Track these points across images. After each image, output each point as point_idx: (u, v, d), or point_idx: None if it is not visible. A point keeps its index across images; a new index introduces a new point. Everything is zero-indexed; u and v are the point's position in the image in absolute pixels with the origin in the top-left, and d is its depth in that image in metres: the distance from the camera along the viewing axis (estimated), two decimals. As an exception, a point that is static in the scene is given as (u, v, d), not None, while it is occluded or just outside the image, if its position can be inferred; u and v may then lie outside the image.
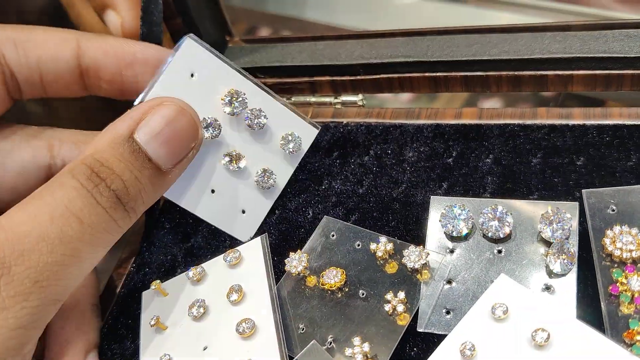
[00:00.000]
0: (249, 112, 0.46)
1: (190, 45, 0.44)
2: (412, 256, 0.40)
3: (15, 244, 0.33)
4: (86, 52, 0.42)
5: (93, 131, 0.44)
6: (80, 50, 0.42)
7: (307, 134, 0.48)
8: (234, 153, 0.46)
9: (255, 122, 0.46)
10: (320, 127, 0.49)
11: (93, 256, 0.36)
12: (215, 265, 0.44)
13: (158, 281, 0.44)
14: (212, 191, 0.46)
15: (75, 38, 0.43)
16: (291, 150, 0.47)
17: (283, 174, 0.48)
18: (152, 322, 0.42)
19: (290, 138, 0.47)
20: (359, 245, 0.43)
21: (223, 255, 0.44)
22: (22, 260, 0.33)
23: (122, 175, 0.37)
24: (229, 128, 0.46)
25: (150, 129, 0.38)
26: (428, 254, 0.40)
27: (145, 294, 0.45)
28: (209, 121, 0.45)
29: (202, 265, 0.44)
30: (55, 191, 0.35)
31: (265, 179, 0.47)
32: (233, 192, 0.47)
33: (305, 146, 0.48)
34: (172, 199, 0.45)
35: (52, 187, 0.36)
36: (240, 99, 0.46)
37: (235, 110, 0.45)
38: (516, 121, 0.47)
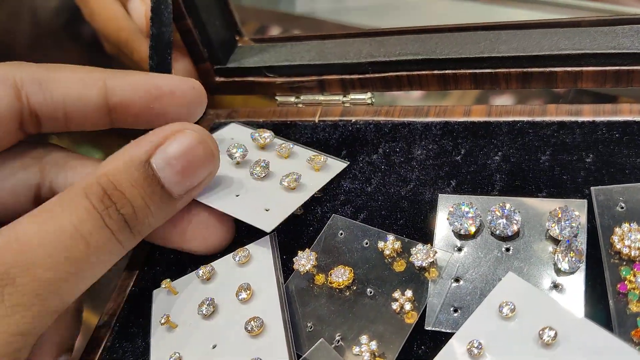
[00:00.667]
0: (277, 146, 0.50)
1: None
2: (419, 254, 0.40)
3: (23, 256, 0.34)
4: (113, 90, 0.42)
5: (86, 157, 0.45)
6: (107, 88, 0.42)
7: (335, 166, 0.49)
8: (262, 163, 0.47)
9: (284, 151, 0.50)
10: (349, 162, 0.49)
11: (94, 274, 0.38)
12: (224, 264, 0.44)
13: (168, 280, 0.45)
14: (237, 195, 0.46)
15: (102, 77, 0.42)
16: (317, 166, 0.48)
17: (310, 183, 0.47)
18: (162, 321, 0.43)
19: (316, 159, 0.48)
20: (366, 243, 0.43)
21: (232, 254, 0.44)
22: (27, 273, 0.34)
23: (133, 201, 0.38)
24: (257, 151, 0.50)
25: (168, 155, 0.39)
26: (436, 252, 0.40)
27: (155, 293, 0.46)
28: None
29: (212, 264, 0.45)
30: (67, 209, 0.36)
31: (291, 180, 0.46)
32: (257, 195, 0.46)
33: (333, 172, 0.48)
34: (196, 198, 0.46)
35: (65, 204, 0.37)
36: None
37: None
38: (525, 118, 0.47)
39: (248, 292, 0.41)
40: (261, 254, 0.44)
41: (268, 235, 0.44)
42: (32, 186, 0.44)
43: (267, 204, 0.46)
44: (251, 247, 0.44)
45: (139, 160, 0.38)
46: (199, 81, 0.46)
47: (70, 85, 0.42)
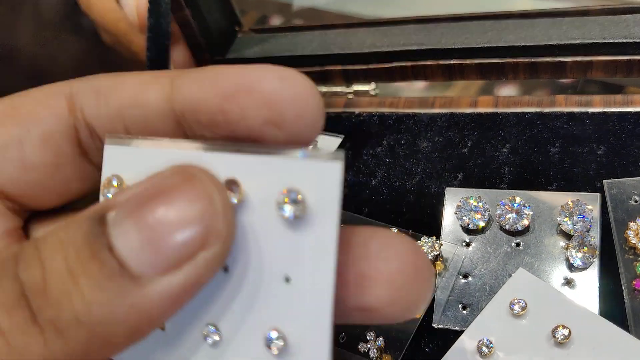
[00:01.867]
0: None
1: None
2: (424, 247, 0.39)
3: None
4: (178, 91, 0.30)
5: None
6: (173, 89, 0.30)
7: (331, 145, 0.46)
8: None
9: None
10: (343, 137, 0.45)
11: None
12: None
13: None
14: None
15: (169, 79, 0.31)
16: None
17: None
18: None
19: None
20: (372, 238, 0.42)
21: None
22: None
23: (46, 262, 0.24)
24: None
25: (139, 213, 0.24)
26: (441, 244, 0.39)
27: None
28: None
29: None
30: None
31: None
32: None
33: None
34: None
35: None
36: None
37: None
38: (533, 109, 0.46)
39: None
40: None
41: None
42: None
43: None
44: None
45: (87, 215, 0.24)
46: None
47: (127, 89, 0.31)
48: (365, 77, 0.52)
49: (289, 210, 0.24)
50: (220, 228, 0.24)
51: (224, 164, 0.25)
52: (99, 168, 0.31)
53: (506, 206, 0.39)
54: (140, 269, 0.23)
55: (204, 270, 0.23)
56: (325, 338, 0.24)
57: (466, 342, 0.35)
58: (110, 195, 0.27)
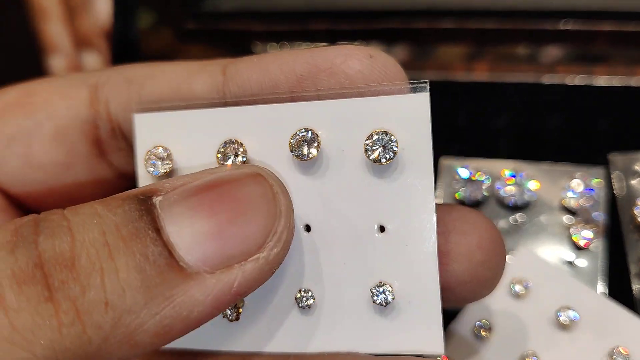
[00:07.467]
0: None
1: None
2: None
3: None
4: (233, 79, 0.25)
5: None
6: (226, 78, 0.25)
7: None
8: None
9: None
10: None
11: None
12: None
13: None
14: None
15: (220, 68, 0.26)
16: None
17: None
18: None
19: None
20: (359, 210, 0.39)
21: None
22: None
23: (81, 250, 0.19)
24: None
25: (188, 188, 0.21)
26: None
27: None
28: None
29: None
30: None
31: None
32: None
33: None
34: None
35: None
36: None
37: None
38: (532, 79, 0.43)
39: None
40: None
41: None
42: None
43: None
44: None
45: (130, 193, 0.20)
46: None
47: (168, 79, 0.26)
48: (352, 37, 0.49)
49: (378, 153, 0.21)
50: (281, 231, 0.21)
51: (294, 115, 0.22)
52: (117, 172, 0.28)
53: (505, 179, 0.36)
54: (191, 262, 0.19)
55: (257, 273, 0.20)
56: (435, 287, 0.22)
57: (462, 325, 0.33)
58: (159, 166, 0.24)
